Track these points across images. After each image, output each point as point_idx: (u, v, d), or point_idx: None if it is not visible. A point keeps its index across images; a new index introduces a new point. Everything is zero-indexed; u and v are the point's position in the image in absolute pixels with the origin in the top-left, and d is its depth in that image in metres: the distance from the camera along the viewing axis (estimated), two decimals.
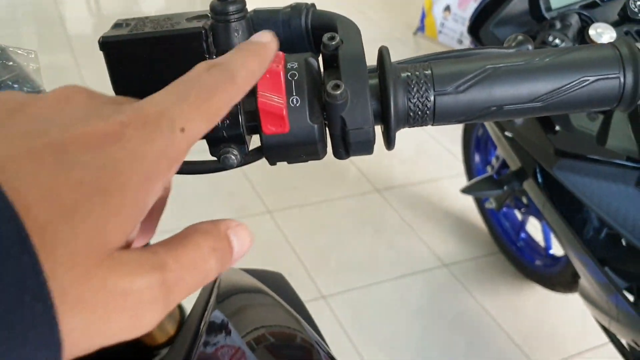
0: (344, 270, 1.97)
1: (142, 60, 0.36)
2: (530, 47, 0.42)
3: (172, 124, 0.24)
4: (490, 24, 1.25)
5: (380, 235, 2.13)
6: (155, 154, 0.23)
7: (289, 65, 0.35)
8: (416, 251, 2.07)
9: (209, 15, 0.36)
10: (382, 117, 0.36)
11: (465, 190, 1.56)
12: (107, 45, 0.35)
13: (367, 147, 0.36)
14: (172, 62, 0.36)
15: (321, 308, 1.82)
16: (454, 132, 2.53)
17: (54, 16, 3.47)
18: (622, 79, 0.36)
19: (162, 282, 0.22)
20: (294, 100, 0.34)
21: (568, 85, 0.36)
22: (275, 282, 0.66)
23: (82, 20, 3.59)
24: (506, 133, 1.28)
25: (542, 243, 1.94)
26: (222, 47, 0.36)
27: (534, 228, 2.01)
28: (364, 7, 4.02)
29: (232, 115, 0.35)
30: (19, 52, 0.39)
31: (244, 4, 0.35)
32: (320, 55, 0.37)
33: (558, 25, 1.07)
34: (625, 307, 1.18)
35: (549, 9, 1.19)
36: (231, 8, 0.35)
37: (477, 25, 1.26)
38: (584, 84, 0.36)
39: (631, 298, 1.17)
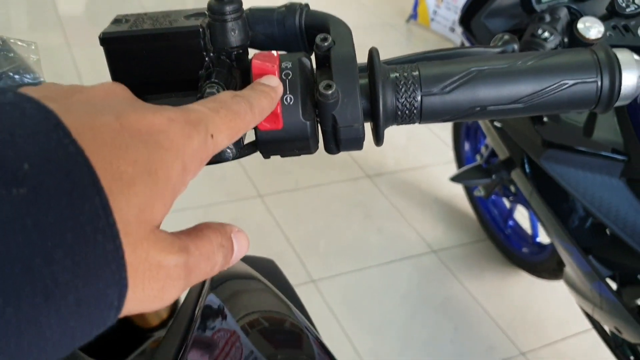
0: (334, 255, 1.99)
1: (141, 56, 0.37)
2: (515, 46, 0.44)
3: (207, 130, 0.27)
4: (482, 15, 1.26)
5: (370, 221, 2.15)
6: (192, 150, 0.26)
7: (283, 65, 0.36)
8: (405, 237, 2.10)
9: (207, 13, 0.37)
10: (372, 115, 0.38)
11: (454, 179, 1.59)
12: (107, 40, 0.37)
13: (356, 144, 0.37)
14: (170, 58, 0.37)
15: (311, 292, 1.84)
16: None
17: None
18: (599, 83, 0.38)
19: (185, 263, 0.25)
20: (288, 98, 0.36)
21: (548, 88, 0.37)
22: (267, 268, 0.68)
23: (74, 2, 3.56)
24: (495, 123, 1.30)
25: (529, 231, 1.97)
26: (219, 45, 0.37)
27: (521, 216, 2.04)
28: None
29: None
30: (20, 43, 0.40)
31: (241, 3, 0.37)
32: (314, 54, 0.38)
33: (547, 18, 1.08)
34: (608, 294, 1.20)
35: (539, 1, 1.20)
36: (228, 8, 0.36)
37: (469, 16, 1.27)
38: (563, 87, 0.38)
39: (614, 286, 1.20)
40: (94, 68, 2.76)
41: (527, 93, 0.38)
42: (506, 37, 0.44)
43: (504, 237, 2.01)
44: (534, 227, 1.93)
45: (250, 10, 0.41)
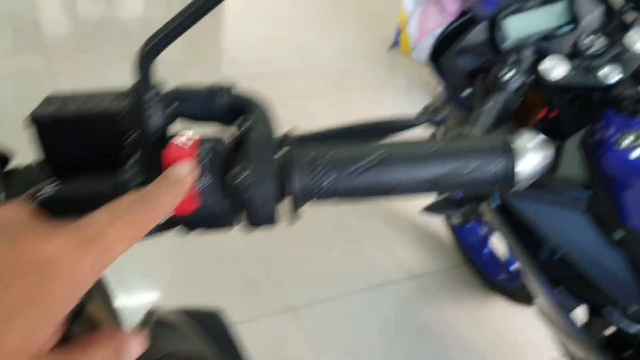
0: (314, 282, 2.00)
1: (67, 136, 0.39)
2: (442, 115, 0.47)
3: (103, 245, 0.28)
4: (451, 53, 1.29)
5: (350, 247, 2.17)
6: (84, 271, 0.27)
7: (202, 148, 0.38)
8: (385, 263, 2.12)
9: (131, 93, 0.39)
10: (286, 194, 0.40)
11: (426, 210, 1.61)
12: (36, 121, 0.39)
13: (270, 222, 0.40)
14: (94, 139, 0.39)
15: (289, 320, 1.85)
16: None
17: (28, 19, 3.45)
18: (497, 168, 0.41)
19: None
20: (205, 179, 0.38)
21: (450, 173, 0.41)
22: (210, 320, 0.69)
23: (58, 24, 3.58)
24: None
25: (504, 258, 2.00)
26: (142, 126, 0.38)
27: (498, 243, 2.07)
28: (340, 22, 4.07)
29: None
30: None
31: (159, 90, 0.38)
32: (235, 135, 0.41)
33: (512, 58, 1.12)
34: (575, 327, 1.23)
35: (506, 39, 1.23)
36: (146, 95, 0.37)
37: (438, 53, 1.30)
38: (466, 171, 0.41)
39: (582, 319, 1.22)
40: None
41: (431, 176, 0.40)
42: (434, 107, 0.47)
43: (481, 263, 2.03)
44: (509, 255, 1.95)
45: (178, 88, 0.43)
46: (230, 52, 3.39)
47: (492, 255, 2.04)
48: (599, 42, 1.16)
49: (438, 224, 2.25)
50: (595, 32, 1.30)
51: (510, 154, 0.41)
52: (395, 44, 3.69)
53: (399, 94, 3.29)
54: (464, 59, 1.30)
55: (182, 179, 0.35)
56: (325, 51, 3.59)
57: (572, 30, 1.28)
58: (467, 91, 1.25)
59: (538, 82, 1.12)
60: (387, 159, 0.40)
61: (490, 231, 1.94)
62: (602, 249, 1.07)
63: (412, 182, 0.40)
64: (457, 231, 2.05)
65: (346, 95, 3.11)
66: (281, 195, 0.40)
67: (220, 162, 0.39)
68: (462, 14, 1.31)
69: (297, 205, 0.40)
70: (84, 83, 2.89)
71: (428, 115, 0.47)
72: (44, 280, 0.25)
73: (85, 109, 0.39)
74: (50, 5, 3.81)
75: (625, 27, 1.26)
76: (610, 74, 1.12)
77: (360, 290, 2.00)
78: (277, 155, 0.40)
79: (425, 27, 1.13)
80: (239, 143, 0.40)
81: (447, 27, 1.29)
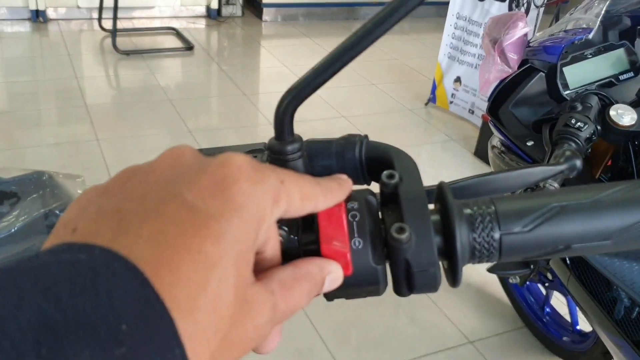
0: (366, 348, 1.92)
1: None
2: (578, 162, 0.42)
3: (277, 176, 0.29)
4: (509, 105, 1.26)
5: (402, 310, 2.09)
6: (264, 193, 0.28)
7: (349, 206, 0.34)
8: (439, 327, 2.02)
9: (265, 150, 0.36)
10: (447, 255, 0.35)
11: (491, 270, 1.53)
12: None
13: (432, 286, 0.34)
14: None
15: None
16: None
17: (75, 89, 3.56)
18: None
19: (272, 318, 0.28)
20: (357, 242, 0.33)
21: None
22: None
23: (101, 92, 3.68)
24: None
25: (567, 318, 1.89)
26: None
27: (559, 302, 1.97)
28: (375, 79, 4.10)
29: (292, 257, 0.33)
30: (66, 177, 0.39)
31: (302, 143, 0.35)
32: (379, 190, 0.36)
33: (579, 107, 1.07)
34: None
35: (566, 88, 1.20)
36: (289, 148, 0.35)
37: (496, 106, 1.27)
38: None
39: None
40: (121, 161, 2.81)
41: (617, 228, 0.34)
42: (568, 152, 0.43)
43: (542, 325, 1.93)
44: (572, 315, 1.85)
45: (308, 143, 0.39)
46: (267, 115, 3.42)
47: (554, 316, 1.93)
48: None
49: (492, 283, 2.16)
50: None
51: None
52: (432, 99, 3.69)
53: (436, 149, 3.26)
54: (522, 110, 1.27)
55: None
56: (361, 109, 3.61)
57: (632, 77, 1.25)
58: (531, 142, 1.20)
59: (607, 130, 1.08)
60: (561, 212, 0.34)
61: (552, 290, 1.84)
62: None
63: (591, 237, 0.34)
64: (515, 291, 1.96)
65: None
66: (439, 255, 0.34)
67: (372, 222, 0.34)
68: (520, 64, 1.28)
69: (459, 268, 0.35)
70: (126, 149, 2.94)
71: (564, 162, 0.41)
72: (229, 202, 0.26)
73: None
74: (93, 73, 3.94)
75: None
76: None
77: (416, 357, 1.91)
78: (431, 211, 0.35)
79: (487, 79, 1.10)
80: (387, 199, 0.35)
81: (504, 79, 1.27)
